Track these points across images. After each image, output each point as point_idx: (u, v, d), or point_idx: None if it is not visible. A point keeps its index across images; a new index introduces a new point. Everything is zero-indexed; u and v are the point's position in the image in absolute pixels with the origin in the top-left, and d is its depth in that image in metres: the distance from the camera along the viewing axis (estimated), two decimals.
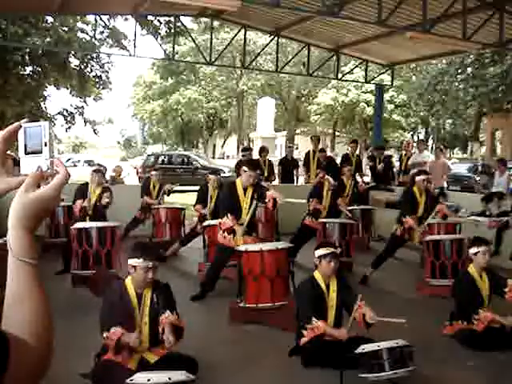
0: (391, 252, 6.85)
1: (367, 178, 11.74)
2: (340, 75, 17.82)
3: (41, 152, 1.02)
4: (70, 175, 1.01)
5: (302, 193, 7.93)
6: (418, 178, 6.58)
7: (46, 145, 1.01)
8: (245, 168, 5.66)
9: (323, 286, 4.15)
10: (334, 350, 3.85)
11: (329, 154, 11.62)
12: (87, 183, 6.89)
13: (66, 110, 18.90)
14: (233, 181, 5.99)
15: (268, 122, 28.21)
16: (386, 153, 11.99)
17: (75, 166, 21.05)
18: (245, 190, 5.66)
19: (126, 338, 3.37)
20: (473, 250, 4.76)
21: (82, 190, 6.78)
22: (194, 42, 17.34)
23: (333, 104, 33.96)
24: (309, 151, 10.81)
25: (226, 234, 5.63)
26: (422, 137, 41.76)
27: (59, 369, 3.82)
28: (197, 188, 8.29)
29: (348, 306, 4.09)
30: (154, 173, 8.94)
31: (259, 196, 5.62)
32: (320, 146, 11.11)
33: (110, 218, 6.90)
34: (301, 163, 11.60)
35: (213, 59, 13.93)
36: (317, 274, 4.20)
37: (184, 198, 8.75)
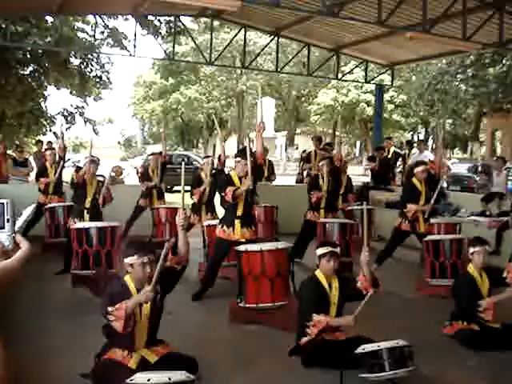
0: (395, 246, 6.89)
1: (367, 178, 11.75)
2: (340, 75, 17.84)
3: (3, 228, 1.05)
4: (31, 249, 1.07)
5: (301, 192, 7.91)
6: (416, 170, 6.71)
7: (8, 221, 1.06)
8: (237, 159, 5.69)
9: (325, 284, 4.17)
10: (334, 350, 3.86)
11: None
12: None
13: (66, 110, 18.90)
14: (227, 174, 5.99)
15: (268, 122, 28.24)
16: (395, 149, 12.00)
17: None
18: (241, 180, 5.65)
19: (136, 298, 3.38)
20: (470, 250, 4.81)
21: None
22: (194, 42, 17.37)
23: (333, 104, 33.96)
24: (310, 151, 10.82)
25: (225, 227, 5.64)
26: (421, 137, 41.75)
27: (59, 369, 3.84)
28: None
29: (352, 296, 4.11)
30: (151, 157, 8.84)
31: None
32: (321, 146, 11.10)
33: (110, 218, 6.90)
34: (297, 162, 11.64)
35: (213, 59, 13.94)
36: (318, 273, 4.22)
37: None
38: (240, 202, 5.58)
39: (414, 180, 6.69)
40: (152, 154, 8.95)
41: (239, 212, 5.60)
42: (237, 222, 5.58)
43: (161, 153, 8.73)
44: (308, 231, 7.54)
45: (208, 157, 8.14)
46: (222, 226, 5.69)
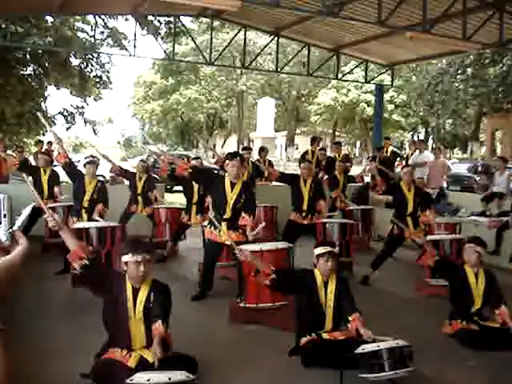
0: (390, 252, 6.86)
1: (367, 179, 11.74)
2: (340, 75, 17.82)
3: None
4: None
5: None
6: (401, 173, 6.88)
7: (5, 216, 1.06)
8: (226, 161, 5.70)
9: (319, 282, 4.19)
10: (334, 350, 3.86)
11: (328, 153, 11.60)
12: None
13: (67, 110, 18.92)
14: (223, 176, 5.97)
15: (268, 122, 28.22)
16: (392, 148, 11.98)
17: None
18: (233, 185, 5.64)
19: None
20: (465, 247, 4.86)
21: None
22: (194, 42, 17.39)
23: (333, 104, 33.97)
24: (307, 150, 10.80)
25: (212, 228, 5.68)
26: (421, 137, 41.76)
27: (59, 369, 3.83)
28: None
29: (343, 312, 4.10)
30: (139, 163, 8.61)
31: (247, 196, 5.65)
32: (320, 146, 11.09)
33: (110, 218, 6.90)
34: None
35: (213, 59, 13.95)
36: (316, 272, 4.23)
37: (184, 198, 8.76)
38: (228, 206, 5.61)
39: (401, 184, 6.68)
40: (142, 161, 8.72)
41: (227, 215, 5.63)
42: (223, 224, 5.59)
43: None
44: (290, 231, 7.28)
45: (197, 158, 8.16)
46: (210, 227, 5.74)
